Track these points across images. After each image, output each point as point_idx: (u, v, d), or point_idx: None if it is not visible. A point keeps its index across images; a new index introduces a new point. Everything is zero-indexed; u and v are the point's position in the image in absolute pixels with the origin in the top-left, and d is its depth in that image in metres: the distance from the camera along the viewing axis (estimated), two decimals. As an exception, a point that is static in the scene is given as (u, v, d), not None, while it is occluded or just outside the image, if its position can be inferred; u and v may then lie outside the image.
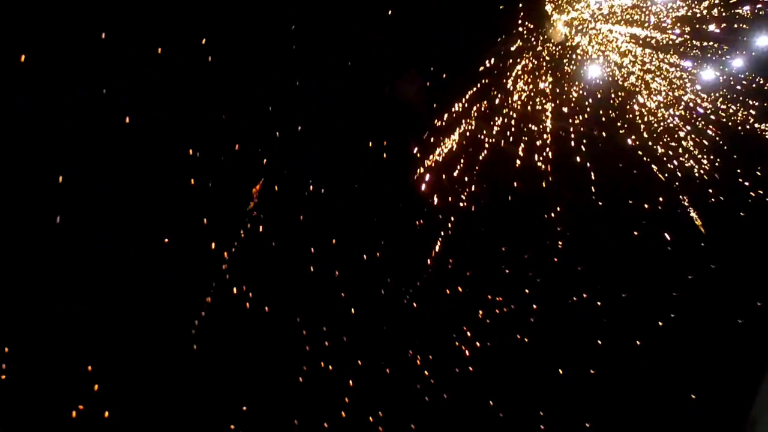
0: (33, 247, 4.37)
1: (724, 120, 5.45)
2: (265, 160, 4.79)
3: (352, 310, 4.73)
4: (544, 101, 5.44)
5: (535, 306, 5.00)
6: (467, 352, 4.86)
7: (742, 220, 5.25)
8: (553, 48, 5.33)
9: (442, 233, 4.95)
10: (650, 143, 5.39)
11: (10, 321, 4.29)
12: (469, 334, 4.89)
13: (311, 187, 4.83)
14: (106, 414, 4.33)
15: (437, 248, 4.90)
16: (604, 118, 5.39)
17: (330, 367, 4.67)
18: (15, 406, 4.23)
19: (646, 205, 5.30)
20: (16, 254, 4.36)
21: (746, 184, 5.24)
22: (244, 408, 4.58)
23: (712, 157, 5.37)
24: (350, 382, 4.67)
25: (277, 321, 4.68)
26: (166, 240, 4.57)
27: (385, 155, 4.93)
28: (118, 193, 4.53)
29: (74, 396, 4.31)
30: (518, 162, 5.20)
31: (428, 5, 4.98)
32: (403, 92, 4.92)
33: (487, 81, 5.26)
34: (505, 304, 4.97)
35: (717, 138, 5.42)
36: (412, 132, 4.98)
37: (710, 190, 5.31)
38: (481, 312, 4.93)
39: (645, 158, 5.34)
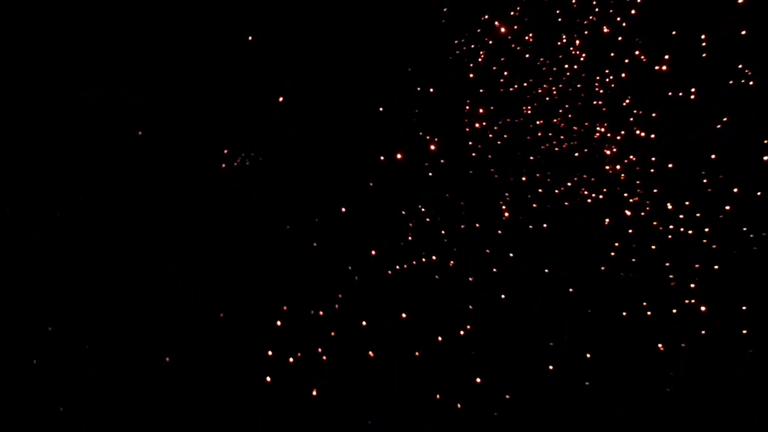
0: (33, 248, 4.40)
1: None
2: (264, 160, 4.80)
3: (351, 311, 4.74)
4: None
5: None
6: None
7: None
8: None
9: (442, 234, 4.94)
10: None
11: (9, 322, 4.32)
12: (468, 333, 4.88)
13: (311, 187, 4.83)
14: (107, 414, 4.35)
15: (436, 249, 4.89)
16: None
17: (328, 369, 4.67)
18: (15, 407, 4.25)
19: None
20: (16, 254, 4.38)
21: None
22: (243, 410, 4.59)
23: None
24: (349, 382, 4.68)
25: (275, 321, 4.68)
26: (166, 241, 4.59)
27: (385, 156, 4.94)
28: (118, 193, 4.56)
29: (72, 397, 4.33)
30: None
31: (428, 5, 4.98)
32: (403, 92, 4.93)
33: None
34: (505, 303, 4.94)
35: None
36: (413, 132, 4.98)
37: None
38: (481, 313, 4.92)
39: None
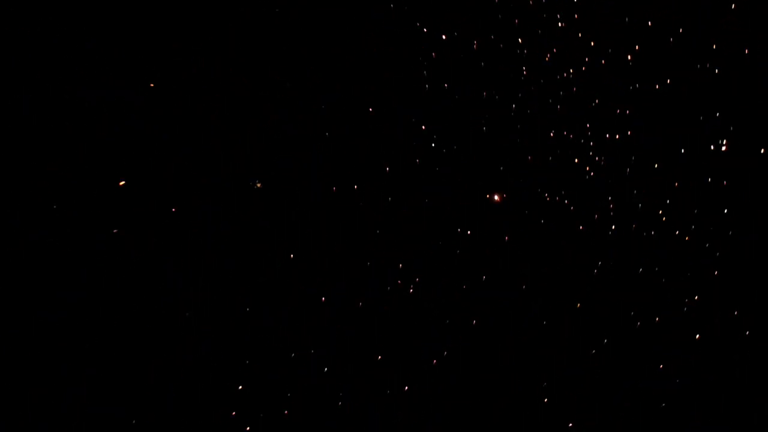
0: (33, 248, 4.40)
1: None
2: (264, 160, 4.80)
3: (350, 311, 4.74)
4: None
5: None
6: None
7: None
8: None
9: (443, 235, 4.94)
10: None
11: (10, 322, 4.32)
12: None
13: (311, 187, 4.83)
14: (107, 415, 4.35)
15: (436, 250, 4.89)
16: None
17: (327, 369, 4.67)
18: (15, 407, 4.25)
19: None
20: (16, 254, 4.38)
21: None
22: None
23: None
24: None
25: (274, 322, 4.69)
26: (166, 241, 4.60)
27: (385, 155, 4.93)
28: (118, 193, 4.56)
29: (72, 397, 4.33)
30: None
31: (427, 6, 4.97)
32: (403, 93, 4.93)
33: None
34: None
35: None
36: (413, 132, 4.97)
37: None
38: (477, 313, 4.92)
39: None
